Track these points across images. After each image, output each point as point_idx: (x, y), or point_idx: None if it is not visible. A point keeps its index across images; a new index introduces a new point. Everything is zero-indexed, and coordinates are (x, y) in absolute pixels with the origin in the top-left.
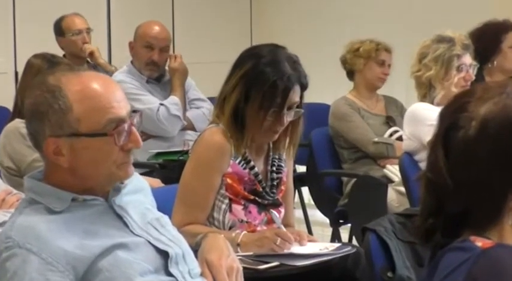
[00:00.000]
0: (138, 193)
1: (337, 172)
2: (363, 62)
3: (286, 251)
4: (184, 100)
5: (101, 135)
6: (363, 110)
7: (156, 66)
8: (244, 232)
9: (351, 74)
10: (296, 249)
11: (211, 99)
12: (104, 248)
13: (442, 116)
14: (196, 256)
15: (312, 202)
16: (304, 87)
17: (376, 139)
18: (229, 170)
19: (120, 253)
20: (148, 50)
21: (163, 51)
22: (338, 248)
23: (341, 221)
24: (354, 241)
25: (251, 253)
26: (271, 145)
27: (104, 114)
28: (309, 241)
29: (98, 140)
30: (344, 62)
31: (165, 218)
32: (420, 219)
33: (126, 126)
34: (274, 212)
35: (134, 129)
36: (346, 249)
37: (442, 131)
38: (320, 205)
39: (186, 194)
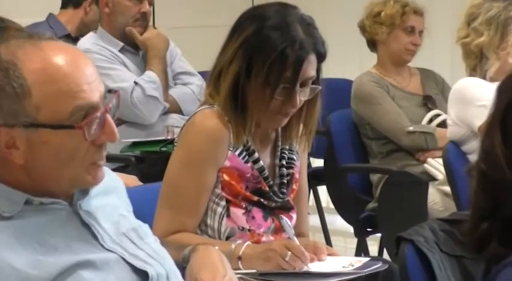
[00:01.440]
0: (110, 195)
1: (363, 167)
2: (386, 31)
3: (298, 268)
4: (166, 75)
5: (66, 128)
6: (392, 88)
7: (146, 21)
8: (248, 242)
9: (372, 44)
10: (312, 265)
11: (202, 74)
12: (64, 266)
13: (500, 93)
14: (183, 276)
15: (332, 206)
16: (321, 57)
17: (411, 128)
18: (227, 163)
19: (85, 273)
20: (136, 2)
21: (150, 4)
22: (365, 265)
23: (369, 229)
24: (385, 255)
25: (254, 271)
26: (280, 133)
27: (70, 100)
28: (328, 255)
29: (62, 133)
30: (363, 29)
31: (145, 228)
32: (471, 224)
33: (98, 114)
34: (284, 218)
35: (109, 118)
36: (375, 265)
37: (500, 112)
38: (342, 210)
39: (172, 195)
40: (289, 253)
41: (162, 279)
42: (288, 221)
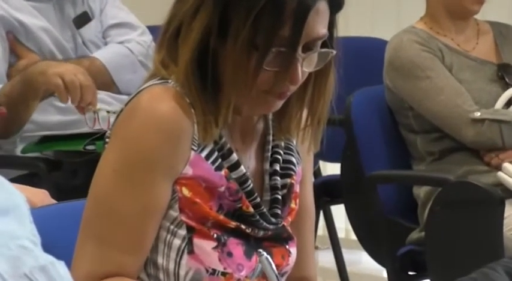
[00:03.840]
0: (4, 218)
1: (403, 176)
2: None
3: None
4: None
5: None
6: (449, 53)
7: None
8: None
9: None
10: None
11: (151, 29)
12: None
13: None
14: None
15: (353, 236)
16: (337, 4)
17: (477, 114)
18: (188, 171)
19: None
20: None
21: None
22: None
23: (411, 273)
24: None
25: None
26: (271, 123)
27: None
28: None
29: None
30: None
31: (59, 267)
32: None
33: None
34: (264, 253)
35: None
36: None
37: None
38: (369, 242)
39: (102, 219)
40: None
41: None
42: (271, 261)
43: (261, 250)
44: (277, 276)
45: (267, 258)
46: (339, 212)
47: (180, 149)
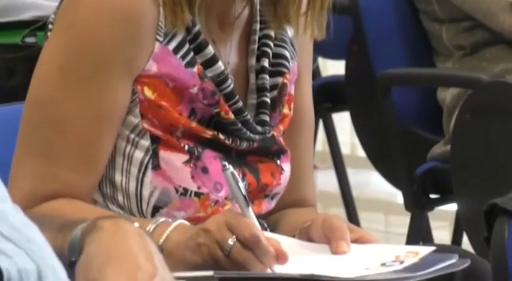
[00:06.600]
0: None
1: (425, 75)
2: None
3: (280, 269)
4: None
5: None
6: None
7: None
8: (181, 221)
9: None
10: (317, 262)
11: None
12: None
13: None
14: (70, 276)
15: (361, 152)
16: None
17: None
18: (152, 67)
19: None
20: None
21: None
22: (426, 261)
23: (433, 196)
24: (465, 242)
25: (210, 273)
26: (258, 5)
27: None
28: (355, 241)
29: None
30: None
31: None
32: None
33: None
34: (229, 167)
35: None
36: (445, 262)
37: None
38: (381, 159)
39: (44, 128)
40: (233, 239)
41: (29, 279)
42: (237, 175)
43: (226, 163)
44: (245, 196)
45: (232, 173)
46: (342, 122)
47: (140, 39)
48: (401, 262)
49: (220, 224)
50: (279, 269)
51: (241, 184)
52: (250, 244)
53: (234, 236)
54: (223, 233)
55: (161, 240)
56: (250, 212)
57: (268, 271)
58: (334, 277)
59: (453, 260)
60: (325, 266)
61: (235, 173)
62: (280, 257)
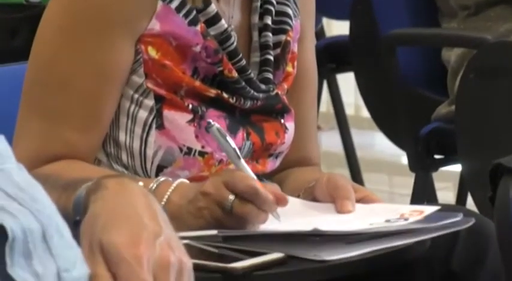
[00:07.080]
0: None
1: (429, 35)
2: None
3: (284, 227)
4: None
5: None
6: None
7: None
8: (181, 180)
9: None
10: (322, 220)
11: None
12: None
13: None
14: (75, 235)
15: (365, 113)
16: None
17: None
18: (155, 27)
19: None
20: None
21: None
22: (430, 219)
23: (438, 156)
24: (470, 202)
25: (213, 232)
26: None
27: None
28: (360, 200)
29: None
30: None
31: None
32: None
33: None
34: (214, 123)
35: None
36: (449, 219)
37: None
38: (385, 118)
39: (47, 89)
40: (232, 195)
41: (33, 238)
42: (222, 130)
43: (210, 121)
44: (234, 149)
45: (218, 129)
46: (346, 82)
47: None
48: (406, 219)
49: (218, 185)
50: (284, 227)
51: (229, 138)
52: (249, 195)
53: (233, 194)
54: (221, 193)
55: (162, 203)
56: (243, 163)
57: (271, 219)
58: (337, 230)
59: (458, 218)
60: (330, 224)
61: (221, 128)
62: (280, 200)
